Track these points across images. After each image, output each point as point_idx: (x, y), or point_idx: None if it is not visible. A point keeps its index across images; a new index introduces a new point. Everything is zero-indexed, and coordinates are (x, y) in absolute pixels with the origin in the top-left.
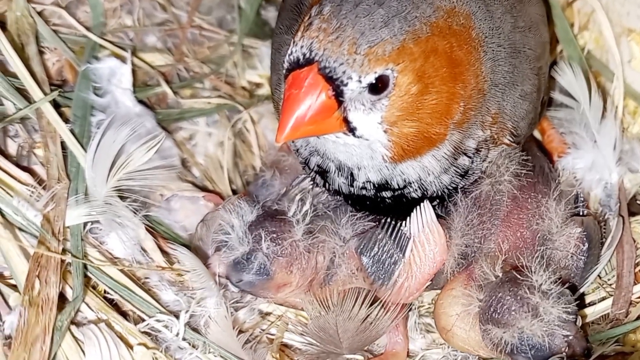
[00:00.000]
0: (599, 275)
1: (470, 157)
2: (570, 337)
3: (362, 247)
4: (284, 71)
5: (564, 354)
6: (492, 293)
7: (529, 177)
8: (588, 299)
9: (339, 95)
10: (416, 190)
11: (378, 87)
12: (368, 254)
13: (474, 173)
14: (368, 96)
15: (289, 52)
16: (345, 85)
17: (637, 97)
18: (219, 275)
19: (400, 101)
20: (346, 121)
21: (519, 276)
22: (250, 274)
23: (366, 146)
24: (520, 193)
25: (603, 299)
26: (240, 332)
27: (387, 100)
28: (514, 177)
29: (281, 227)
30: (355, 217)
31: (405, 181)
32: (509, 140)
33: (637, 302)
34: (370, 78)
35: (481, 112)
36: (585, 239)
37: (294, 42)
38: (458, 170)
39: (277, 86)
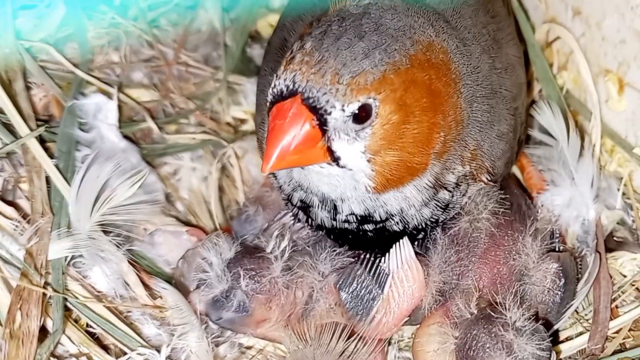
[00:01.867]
0: (576, 311)
1: (450, 192)
2: None
3: (341, 282)
4: (268, 104)
5: None
6: (467, 330)
7: (507, 215)
8: (565, 334)
9: (322, 125)
10: (397, 223)
11: (361, 116)
12: (347, 290)
13: (454, 207)
14: (352, 126)
15: (272, 85)
16: (329, 114)
17: (614, 136)
18: (199, 312)
19: (382, 130)
20: (330, 151)
21: (493, 313)
22: (230, 311)
23: (350, 176)
24: (497, 230)
25: (580, 334)
26: None
27: (370, 129)
28: (491, 215)
29: (260, 264)
30: (335, 253)
31: (387, 213)
32: (487, 178)
33: (613, 337)
34: (354, 107)
35: (460, 145)
36: (561, 274)
37: (277, 76)
38: (439, 204)
39: (260, 126)
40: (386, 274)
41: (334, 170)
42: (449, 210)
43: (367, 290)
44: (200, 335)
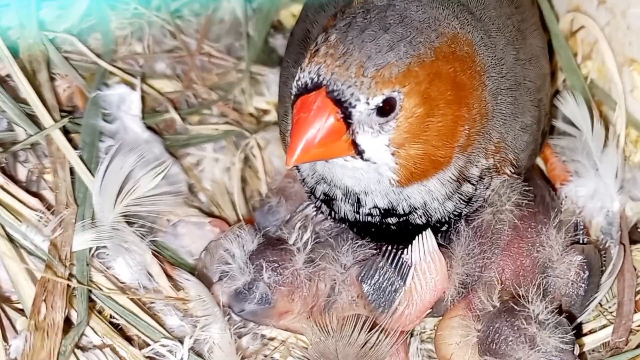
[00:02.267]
0: (599, 303)
1: (473, 185)
2: None
3: (363, 274)
4: (292, 97)
5: None
6: (490, 323)
7: (530, 206)
8: (589, 327)
9: (347, 118)
10: (421, 216)
11: (385, 109)
12: (369, 282)
13: (477, 200)
14: (376, 119)
15: (297, 77)
16: (354, 107)
17: (638, 126)
18: (222, 304)
19: (407, 123)
20: (354, 144)
21: (516, 306)
22: (252, 303)
23: (374, 170)
24: (520, 222)
25: (604, 326)
26: (244, 358)
27: (394, 122)
28: (515, 206)
29: (282, 256)
30: (357, 245)
31: (410, 206)
32: (510, 171)
33: (637, 330)
34: (378, 100)
35: (484, 138)
36: (585, 266)
37: (301, 69)
38: (462, 197)
39: (283, 118)
40: (408, 265)
41: (358, 164)
42: (472, 203)
43: (390, 282)
44: (223, 327)
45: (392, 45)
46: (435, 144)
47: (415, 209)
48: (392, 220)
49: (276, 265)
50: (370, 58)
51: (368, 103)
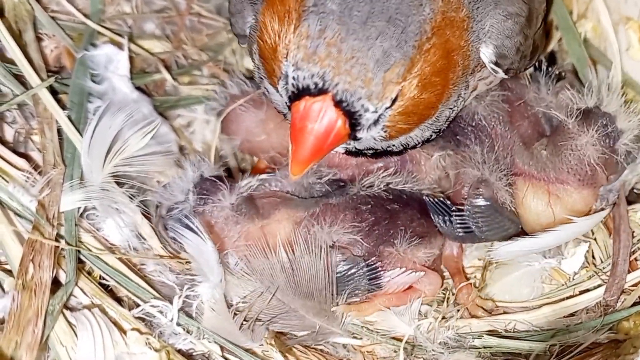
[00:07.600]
0: (594, 264)
1: (452, 109)
2: None
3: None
4: (289, 94)
5: None
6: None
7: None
8: (583, 287)
9: (355, 125)
10: (398, 147)
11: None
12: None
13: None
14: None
15: (293, 75)
16: (362, 117)
17: (634, 86)
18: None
19: (402, 108)
20: (353, 136)
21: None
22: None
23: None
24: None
25: (598, 286)
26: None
27: (390, 111)
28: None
29: (215, 190)
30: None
31: (389, 146)
32: (492, 66)
33: (631, 290)
34: (385, 105)
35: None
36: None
37: (296, 66)
38: (443, 122)
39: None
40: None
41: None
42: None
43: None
44: (215, 285)
45: (398, 39)
46: (424, 113)
47: (393, 144)
48: (368, 152)
49: (205, 195)
50: (377, 62)
51: (376, 111)
